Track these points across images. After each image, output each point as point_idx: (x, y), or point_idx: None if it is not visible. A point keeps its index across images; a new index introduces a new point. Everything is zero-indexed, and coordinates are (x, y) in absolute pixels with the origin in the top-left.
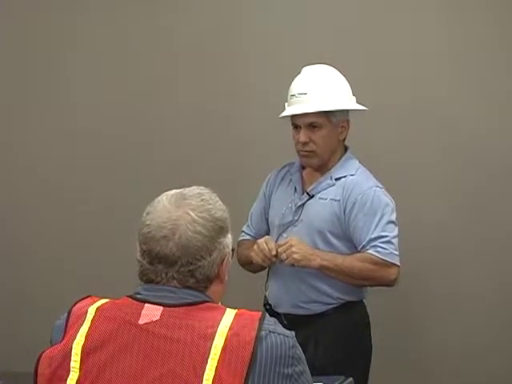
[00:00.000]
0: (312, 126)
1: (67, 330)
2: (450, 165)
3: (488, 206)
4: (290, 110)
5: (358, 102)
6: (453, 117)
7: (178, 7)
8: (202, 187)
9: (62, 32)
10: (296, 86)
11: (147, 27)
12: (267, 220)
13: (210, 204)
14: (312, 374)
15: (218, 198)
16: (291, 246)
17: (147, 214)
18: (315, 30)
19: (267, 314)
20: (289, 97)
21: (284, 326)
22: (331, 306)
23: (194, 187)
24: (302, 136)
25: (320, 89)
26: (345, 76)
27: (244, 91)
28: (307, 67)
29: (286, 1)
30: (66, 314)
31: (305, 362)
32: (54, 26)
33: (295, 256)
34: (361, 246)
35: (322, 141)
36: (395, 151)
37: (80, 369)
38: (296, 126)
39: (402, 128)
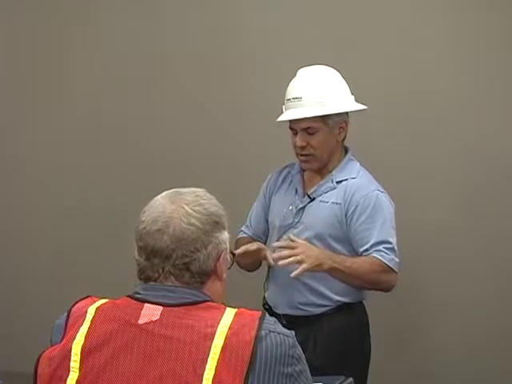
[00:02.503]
0: (309, 130)
1: (67, 330)
2: (450, 165)
3: (489, 206)
4: (285, 116)
5: (358, 101)
6: (453, 117)
7: (178, 8)
8: (198, 188)
9: (61, 33)
10: (291, 90)
11: (147, 27)
12: (267, 221)
13: (204, 199)
14: (311, 375)
15: (214, 198)
16: (301, 259)
17: (143, 212)
18: (315, 29)
19: (267, 314)
20: (285, 101)
21: (283, 326)
22: (330, 308)
23: (190, 188)
24: (299, 141)
25: (314, 93)
26: (345, 76)
27: (244, 91)
28: (302, 70)
29: (287, 1)
30: (65, 314)
31: (305, 361)
32: (55, 26)
33: (304, 266)
34: (363, 249)
35: (320, 144)
36: (395, 151)
37: (80, 369)
38: (293, 131)
39: (402, 128)
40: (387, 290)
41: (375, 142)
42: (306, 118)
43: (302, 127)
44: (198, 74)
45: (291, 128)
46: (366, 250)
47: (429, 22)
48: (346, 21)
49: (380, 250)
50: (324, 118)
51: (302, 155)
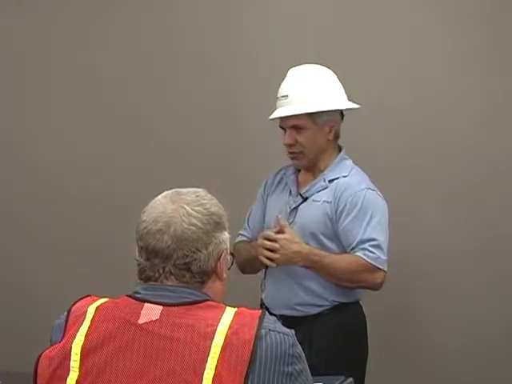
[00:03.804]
0: (296, 128)
1: (67, 330)
2: (450, 165)
3: (489, 206)
4: (274, 113)
5: (355, 102)
6: (453, 117)
7: (179, 6)
8: (199, 189)
9: (62, 31)
10: (280, 88)
11: (146, 26)
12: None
13: (205, 200)
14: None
15: (214, 198)
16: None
17: (143, 212)
18: (315, 29)
19: (267, 313)
20: (276, 99)
21: None
22: (326, 308)
23: (190, 188)
24: (287, 138)
25: (300, 91)
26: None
27: (244, 91)
28: (292, 69)
29: (287, 0)
30: (65, 314)
31: (305, 360)
32: (55, 25)
33: (276, 256)
34: (350, 248)
35: (308, 142)
36: (394, 152)
37: (80, 368)
38: (283, 129)
39: (401, 129)
40: (374, 288)
41: (374, 143)
42: (292, 116)
43: (289, 125)
44: (198, 73)
45: (280, 126)
46: (353, 249)
47: (429, 25)
48: (346, 21)
49: (365, 249)
50: (312, 117)
51: (290, 153)
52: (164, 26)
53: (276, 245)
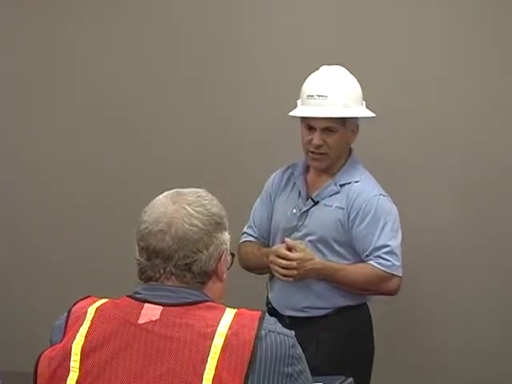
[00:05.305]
0: (328, 130)
1: (67, 330)
2: (450, 166)
3: (489, 206)
4: (309, 112)
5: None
6: (453, 118)
7: (179, 6)
8: (199, 189)
9: (62, 31)
10: (315, 86)
11: (146, 26)
12: (271, 221)
13: (206, 200)
14: (312, 375)
15: (215, 198)
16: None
17: (144, 212)
18: (317, 30)
19: (267, 314)
20: (305, 96)
21: (286, 326)
22: (334, 310)
23: (191, 188)
24: (317, 139)
25: (340, 94)
26: None
27: (244, 91)
28: (325, 67)
29: (290, 0)
30: (65, 314)
31: (304, 361)
32: (55, 25)
33: (293, 273)
34: (364, 255)
35: (336, 144)
36: (395, 153)
37: (80, 369)
38: (310, 127)
39: (401, 130)
40: (389, 293)
41: (372, 142)
42: (329, 118)
43: (322, 126)
44: (198, 74)
45: (308, 125)
46: (367, 256)
47: (429, 25)
48: (349, 22)
49: (378, 256)
50: (344, 121)
51: (314, 153)
52: (164, 25)
53: (293, 263)
